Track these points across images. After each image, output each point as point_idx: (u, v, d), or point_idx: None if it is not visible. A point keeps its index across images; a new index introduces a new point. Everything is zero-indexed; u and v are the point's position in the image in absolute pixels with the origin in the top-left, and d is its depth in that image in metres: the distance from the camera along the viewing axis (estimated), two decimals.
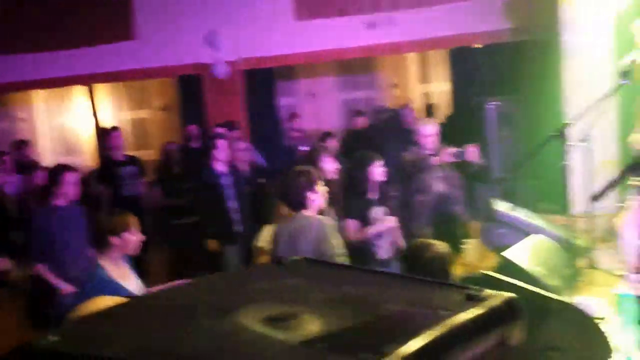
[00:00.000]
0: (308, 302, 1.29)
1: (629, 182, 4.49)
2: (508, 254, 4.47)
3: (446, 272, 3.35)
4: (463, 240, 5.87)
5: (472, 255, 5.62)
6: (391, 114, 8.95)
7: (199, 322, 1.28)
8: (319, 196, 4.17)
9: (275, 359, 1.08)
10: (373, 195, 5.25)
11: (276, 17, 8.54)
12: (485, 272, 3.82)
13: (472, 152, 5.79)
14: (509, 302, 1.24)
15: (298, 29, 8.49)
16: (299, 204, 4.13)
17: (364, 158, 5.27)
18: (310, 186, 4.11)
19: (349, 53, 8.62)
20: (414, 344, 1.04)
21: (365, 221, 5.12)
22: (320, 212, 4.33)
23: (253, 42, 8.57)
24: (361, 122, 8.69)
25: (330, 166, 5.29)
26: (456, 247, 5.64)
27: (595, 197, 2.52)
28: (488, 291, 1.28)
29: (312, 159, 5.38)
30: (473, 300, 1.22)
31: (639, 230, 4.27)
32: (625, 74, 4.61)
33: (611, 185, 2.41)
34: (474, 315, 1.17)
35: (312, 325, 1.17)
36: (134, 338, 1.27)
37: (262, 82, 9.25)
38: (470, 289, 1.27)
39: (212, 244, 6.38)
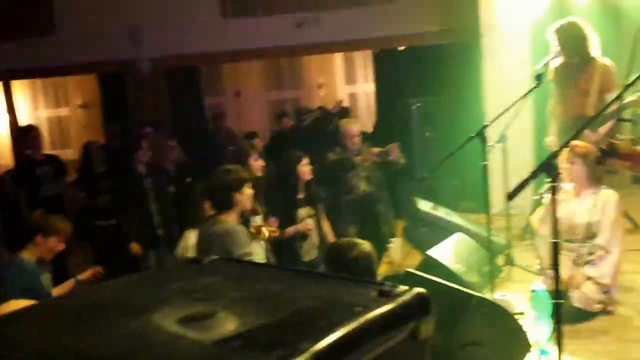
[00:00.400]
0: (224, 301, 1.29)
1: (545, 181, 4.68)
2: (431, 252, 4.59)
3: (371, 271, 3.37)
4: (388, 239, 5.96)
5: (397, 254, 5.72)
6: (317, 114, 9.00)
7: (110, 323, 1.25)
8: (245, 198, 4.13)
9: (188, 359, 1.08)
10: (301, 194, 5.30)
11: (202, 14, 8.42)
12: (409, 270, 3.90)
13: (394, 152, 5.88)
14: (419, 297, 1.28)
15: (224, 27, 8.40)
16: (225, 204, 4.07)
17: (292, 158, 5.31)
18: (238, 187, 4.07)
19: (275, 52, 8.60)
20: (327, 340, 1.06)
21: (291, 220, 5.15)
22: (243, 214, 4.30)
23: (178, 40, 8.42)
24: (286, 123, 8.71)
25: (258, 164, 5.30)
26: (381, 246, 5.73)
27: (510, 196, 2.60)
28: (401, 287, 1.31)
29: (240, 158, 5.35)
30: (386, 296, 1.26)
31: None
32: (539, 77, 4.79)
33: (524, 184, 2.49)
34: (386, 310, 1.20)
35: (227, 324, 1.17)
36: (41, 340, 1.23)
37: (187, 80, 9.12)
38: (383, 285, 1.30)
39: (135, 247, 6.24)
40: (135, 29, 8.39)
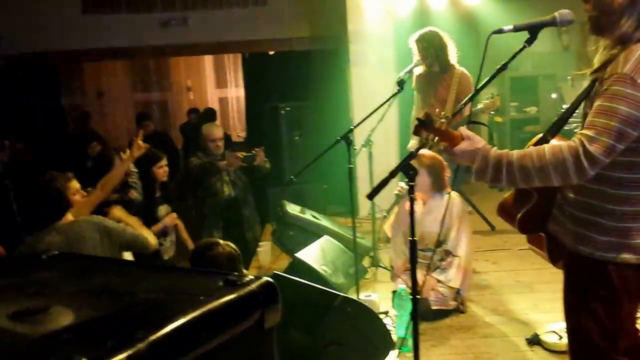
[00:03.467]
0: (60, 296, 1.22)
1: (396, 189, 4.84)
2: (298, 254, 4.61)
3: (236, 270, 3.34)
4: (253, 243, 5.93)
5: (266, 258, 5.69)
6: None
7: None
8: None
9: (11, 353, 1.00)
10: (157, 193, 5.32)
11: (61, 9, 8.00)
12: (276, 272, 3.90)
13: (259, 156, 5.86)
14: (266, 286, 1.27)
15: (86, 24, 8.04)
16: None
17: (149, 158, 5.25)
18: None
19: (140, 52, 8.34)
20: (165, 329, 1.02)
21: (153, 218, 5.07)
22: None
23: (34, 36, 7.96)
24: (148, 126, 8.53)
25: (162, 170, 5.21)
26: (248, 250, 5.69)
27: (369, 196, 2.65)
28: (248, 276, 1.29)
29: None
30: (231, 285, 1.23)
31: (404, 235, 4.55)
32: (400, 83, 4.93)
33: (383, 184, 2.54)
34: (230, 299, 1.18)
35: (61, 318, 1.10)
36: None
37: (45, 79, 8.65)
38: (229, 275, 1.28)
39: None
40: None
